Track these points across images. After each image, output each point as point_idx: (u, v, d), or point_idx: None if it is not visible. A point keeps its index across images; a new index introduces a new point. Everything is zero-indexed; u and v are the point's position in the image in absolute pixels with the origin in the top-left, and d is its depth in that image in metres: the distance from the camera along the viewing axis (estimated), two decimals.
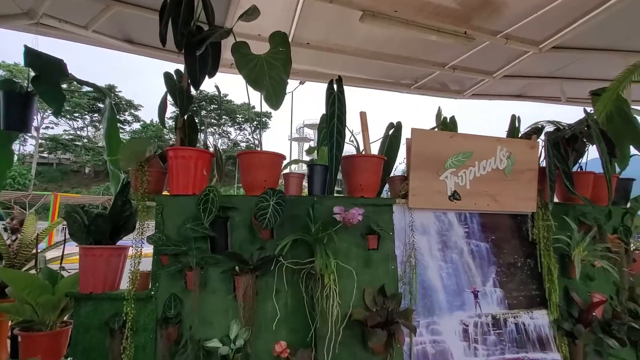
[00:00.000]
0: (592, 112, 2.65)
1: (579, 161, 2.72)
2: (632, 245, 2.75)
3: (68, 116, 34.80)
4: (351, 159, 2.19)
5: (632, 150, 2.88)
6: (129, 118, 37.33)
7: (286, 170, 2.33)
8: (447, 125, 2.49)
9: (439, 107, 2.51)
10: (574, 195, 2.44)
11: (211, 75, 2.17)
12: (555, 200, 2.56)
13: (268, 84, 1.96)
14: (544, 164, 2.48)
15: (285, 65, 2.02)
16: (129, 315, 1.81)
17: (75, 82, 2.58)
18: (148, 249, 1.93)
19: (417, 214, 2.25)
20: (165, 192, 2.11)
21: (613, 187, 2.58)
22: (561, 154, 2.51)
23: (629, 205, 2.88)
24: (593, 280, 2.49)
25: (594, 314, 2.29)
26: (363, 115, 2.20)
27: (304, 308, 1.98)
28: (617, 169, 2.88)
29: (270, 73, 1.97)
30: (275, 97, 1.96)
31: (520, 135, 2.67)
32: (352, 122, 2.31)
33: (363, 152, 2.24)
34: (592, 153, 2.70)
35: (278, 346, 1.84)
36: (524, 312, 2.31)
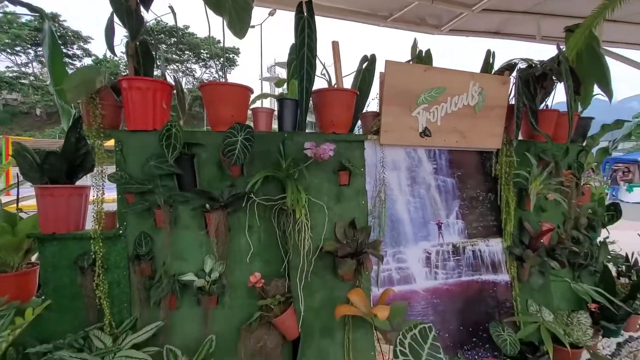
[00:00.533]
0: (564, 49, 2.64)
1: (546, 100, 2.77)
2: (582, 180, 2.97)
3: (9, 50, 30.57)
4: (322, 93, 2.10)
5: (595, 89, 2.96)
6: (79, 52, 33.25)
7: (255, 105, 2.22)
8: (422, 58, 2.40)
9: (415, 39, 2.39)
10: (538, 132, 2.53)
11: None
12: (520, 137, 2.65)
13: (230, 7, 1.75)
14: (512, 102, 2.51)
15: None
16: (98, 253, 1.79)
17: (7, 6, 2.19)
18: (111, 192, 1.84)
19: (388, 151, 2.27)
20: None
21: (574, 125, 2.69)
22: (530, 92, 2.54)
23: (585, 143, 3.05)
24: (545, 212, 2.70)
25: (542, 240, 2.53)
26: (335, 45, 2.06)
27: (277, 242, 2.03)
28: (580, 108, 2.99)
29: None
30: (239, 23, 1.77)
31: (493, 72, 2.64)
32: (324, 55, 2.18)
33: (335, 86, 2.15)
34: (557, 96, 2.76)
35: (253, 277, 1.91)
36: (481, 241, 2.51)
